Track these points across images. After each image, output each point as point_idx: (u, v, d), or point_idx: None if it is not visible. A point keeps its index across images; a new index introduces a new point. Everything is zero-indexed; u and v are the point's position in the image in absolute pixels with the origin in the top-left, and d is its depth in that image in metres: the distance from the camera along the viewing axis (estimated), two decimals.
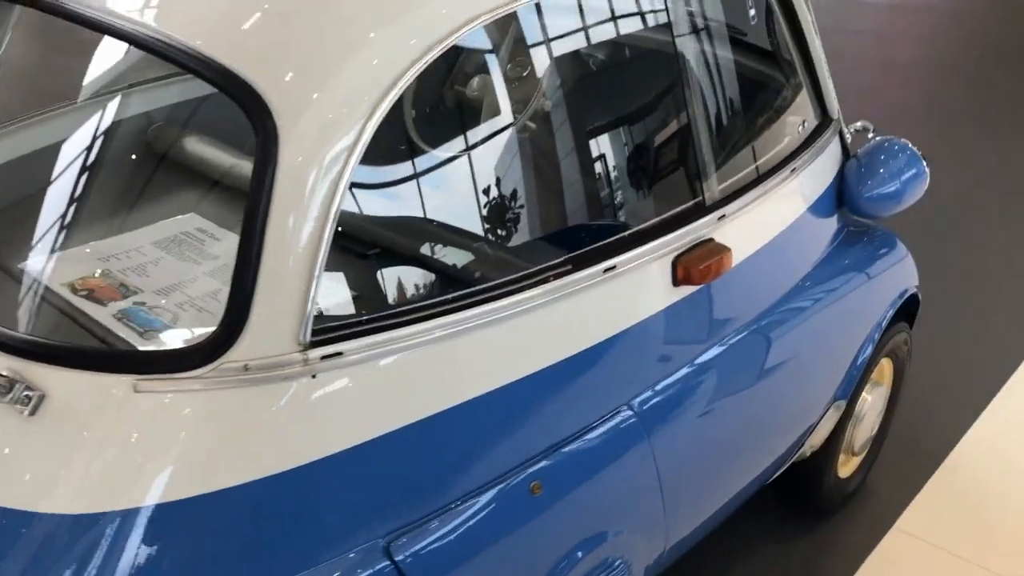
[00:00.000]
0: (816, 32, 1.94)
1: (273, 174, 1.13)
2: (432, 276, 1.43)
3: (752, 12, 1.95)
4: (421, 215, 1.58)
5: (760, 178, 1.74)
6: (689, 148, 1.62)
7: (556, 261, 1.40)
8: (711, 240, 1.60)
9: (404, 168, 1.62)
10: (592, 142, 1.67)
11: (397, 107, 1.24)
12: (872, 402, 2.30)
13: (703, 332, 1.66)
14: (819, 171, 1.96)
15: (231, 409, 1.13)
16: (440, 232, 1.53)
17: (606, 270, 1.43)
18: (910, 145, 2.10)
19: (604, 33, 1.69)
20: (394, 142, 1.62)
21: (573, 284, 1.40)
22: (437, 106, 1.74)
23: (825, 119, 2.00)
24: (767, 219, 1.78)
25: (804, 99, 1.96)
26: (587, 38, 1.67)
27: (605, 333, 1.47)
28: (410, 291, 1.44)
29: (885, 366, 2.41)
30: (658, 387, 1.59)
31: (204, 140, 1.74)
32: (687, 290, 1.58)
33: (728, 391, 1.73)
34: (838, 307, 2.01)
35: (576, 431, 1.46)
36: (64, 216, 1.57)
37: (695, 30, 1.64)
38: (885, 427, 2.51)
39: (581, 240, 1.47)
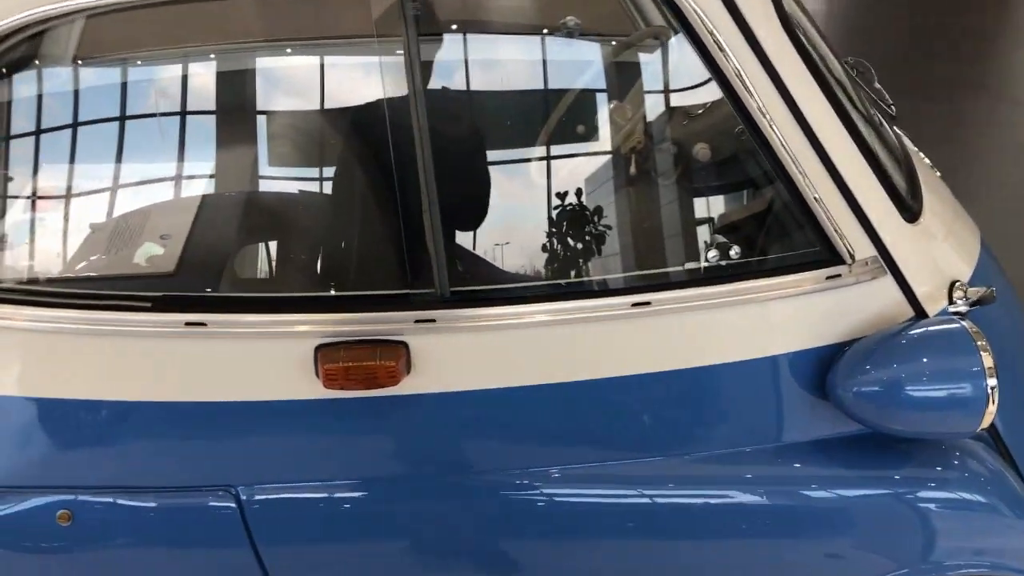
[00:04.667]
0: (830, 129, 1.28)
1: None
2: None
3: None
4: None
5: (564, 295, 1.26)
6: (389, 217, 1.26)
7: (135, 293, 1.25)
8: (397, 345, 1.23)
9: None
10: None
11: None
12: None
13: (375, 453, 1.29)
14: (772, 322, 1.33)
15: None
16: None
17: (189, 324, 1.22)
18: (982, 348, 1.28)
19: None
20: None
21: (150, 324, 1.23)
22: None
23: (831, 256, 1.33)
24: (579, 351, 1.28)
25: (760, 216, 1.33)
26: None
27: (195, 395, 1.26)
28: None
29: None
30: (277, 491, 1.30)
31: None
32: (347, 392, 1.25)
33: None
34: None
35: (145, 484, 1.30)
36: None
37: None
38: None
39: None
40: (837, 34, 6.01)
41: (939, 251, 1.46)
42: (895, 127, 1.85)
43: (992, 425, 1.49)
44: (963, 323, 1.30)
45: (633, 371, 1.29)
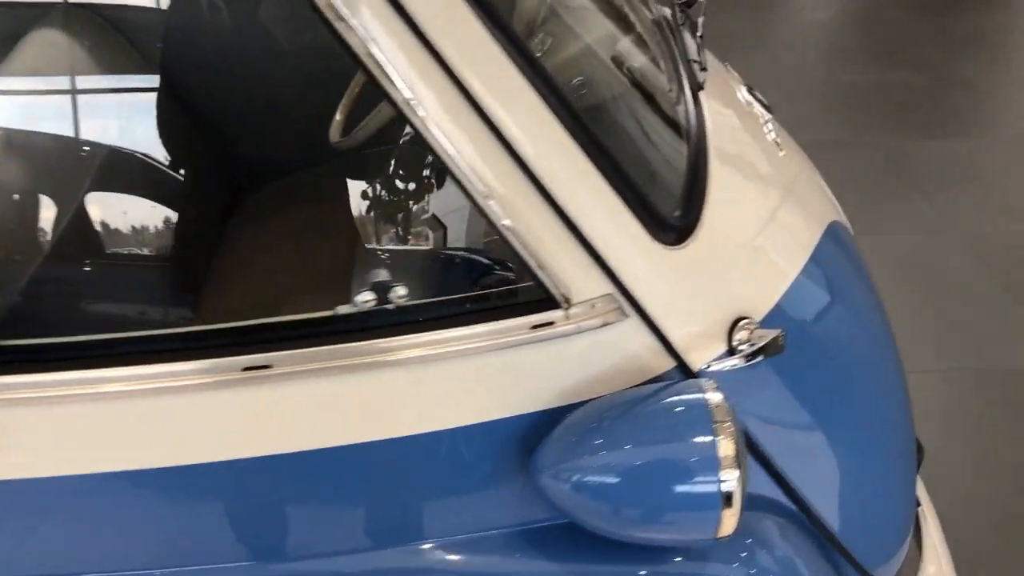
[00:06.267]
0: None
1: None
2: None
3: None
4: None
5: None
6: None
7: None
8: None
9: None
10: None
11: None
12: None
13: None
14: (455, 385, 1.00)
15: None
16: None
17: None
18: (723, 431, 0.94)
19: None
20: None
21: None
22: None
23: (544, 298, 0.99)
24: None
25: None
26: None
27: None
28: None
29: None
30: None
31: None
32: None
33: None
34: None
35: None
36: None
37: None
38: None
39: None
40: None
41: (734, 271, 1.11)
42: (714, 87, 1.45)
43: (798, 497, 1.16)
44: (704, 394, 0.96)
45: (244, 454, 0.97)
